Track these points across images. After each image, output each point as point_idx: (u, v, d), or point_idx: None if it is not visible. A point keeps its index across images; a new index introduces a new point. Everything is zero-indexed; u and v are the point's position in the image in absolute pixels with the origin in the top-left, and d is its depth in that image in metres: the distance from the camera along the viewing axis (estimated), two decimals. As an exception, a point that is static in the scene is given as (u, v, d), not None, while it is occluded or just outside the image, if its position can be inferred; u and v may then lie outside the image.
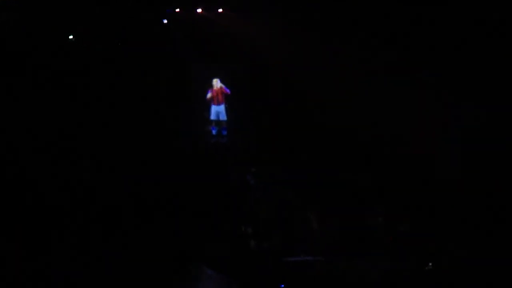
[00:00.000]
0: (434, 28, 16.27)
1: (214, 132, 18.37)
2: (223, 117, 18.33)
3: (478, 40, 15.78)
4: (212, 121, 18.37)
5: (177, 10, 18.58)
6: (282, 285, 12.96)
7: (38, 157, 15.20)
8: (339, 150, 16.56)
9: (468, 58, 15.82)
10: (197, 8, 18.60)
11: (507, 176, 14.60)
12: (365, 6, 16.90)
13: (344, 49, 17.08)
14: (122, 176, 15.23)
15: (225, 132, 18.36)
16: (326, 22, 17.33)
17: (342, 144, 16.64)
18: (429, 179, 15.44)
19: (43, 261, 12.39)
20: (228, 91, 18.15)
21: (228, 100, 18.30)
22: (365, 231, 14.65)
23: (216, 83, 18.17)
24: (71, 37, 17.31)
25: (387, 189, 15.41)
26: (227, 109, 18.32)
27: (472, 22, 15.78)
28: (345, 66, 17.00)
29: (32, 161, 15.09)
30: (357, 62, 16.91)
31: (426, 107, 16.24)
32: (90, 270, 12.36)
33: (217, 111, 18.29)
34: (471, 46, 15.87)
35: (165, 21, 18.67)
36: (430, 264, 13.30)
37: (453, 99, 16.05)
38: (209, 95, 18.10)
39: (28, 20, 16.41)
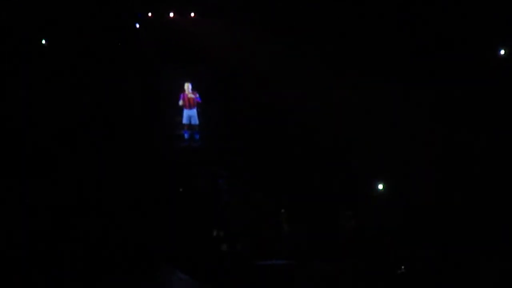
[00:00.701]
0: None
1: (186, 136, 18.33)
2: (195, 121, 18.29)
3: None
4: (184, 125, 18.32)
5: (149, 14, 18.58)
6: (254, 289, 13.05)
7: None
8: (311, 154, 16.61)
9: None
10: (169, 13, 18.61)
11: (474, 174, 14.79)
12: (329, 9, 17.09)
13: (314, 51, 17.23)
14: (93, 180, 15.14)
15: (197, 136, 18.33)
16: (294, 25, 17.47)
17: (314, 148, 16.69)
18: (399, 184, 15.57)
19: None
20: (199, 99, 18.10)
21: (200, 104, 18.28)
22: (337, 235, 14.75)
23: (188, 88, 18.12)
24: (43, 41, 17.19)
25: (359, 193, 15.50)
26: (199, 113, 18.29)
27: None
28: (316, 69, 17.12)
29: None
30: (329, 64, 17.05)
31: (395, 117, 16.40)
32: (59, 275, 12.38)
33: (189, 115, 18.23)
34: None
35: (137, 25, 18.67)
36: (403, 267, 13.41)
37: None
38: (181, 101, 18.04)
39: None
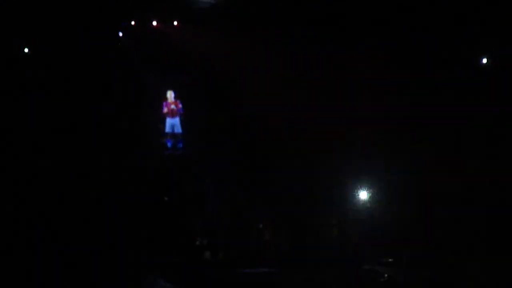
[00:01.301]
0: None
1: (169, 144, 18.27)
2: (178, 129, 18.20)
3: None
4: (167, 133, 18.26)
5: (132, 23, 18.57)
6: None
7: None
8: (295, 161, 16.64)
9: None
10: (152, 21, 18.62)
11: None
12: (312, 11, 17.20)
13: (299, 58, 17.31)
14: (76, 189, 15.08)
15: (180, 145, 18.26)
16: (279, 32, 17.55)
17: (298, 156, 16.72)
18: (382, 192, 15.63)
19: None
20: (181, 110, 18.05)
21: (182, 114, 18.24)
22: (320, 243, 14.77)
23: (171, 96, 18.05)
24: (26, 50, 17.12)
25: (342, 202, 15.54)
26: (182, 122, 18.24)
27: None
28: (302, 76, 17.19)
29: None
30: (312, 71, 17.12)
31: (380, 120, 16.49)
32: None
33: (172, 123, 18.14)
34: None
35: (120, 34, 18.67)
36: (386, 275, 13.43)
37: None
38: (165, 109, 17.99)
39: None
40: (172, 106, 17.98)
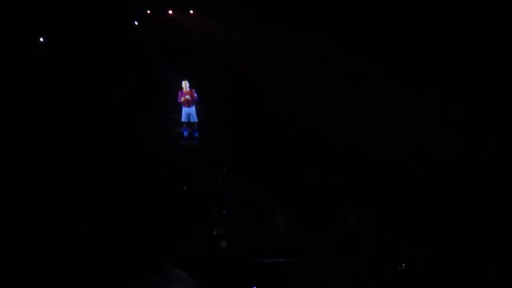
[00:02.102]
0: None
1: (185, 134, 18.28)
2: (194, 119, 18.24)
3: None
4: (183, 123, 18.27)
5: (148, 12, 18.54)
6: (255, 287, 12.98)
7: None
8: (311, 150, 16.59)
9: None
10: (168, 10, 18.58)
11: (479, 177, 14.75)
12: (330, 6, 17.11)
13: (314, 49, 17.22)
14: (94, 180, 15.09)
15: (196, 134, 18.29)
16: (294, 22, 17.47)
17: (314, 145, 16.68)
18: (400, 181, 15.53)
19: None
20: (196, 99, 18.03)
21: (198, 102, 18.23)
22: (337, 232, 14.71)
23: (186, 85, 18.04)
24: (41, 39, 17.12)
25: (359, 190, 15.46)
26: (198, 111, 18.24)
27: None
28: (316, 66, 17.11)
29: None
30: (327, 63, 17.03)
31: (397, 110, 16.36)
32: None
33: (188, 113, 18.18)
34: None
35: (136, 23, 18.65)
36: (403, 265, 13.37)
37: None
38: (181, 99, 17.97)
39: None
40: (187, 96, 17.98)
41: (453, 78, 15.97)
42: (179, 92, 18.02)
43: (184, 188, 15.76)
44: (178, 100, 18.02)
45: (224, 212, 15.42)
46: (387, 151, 15.78)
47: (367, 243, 14.24)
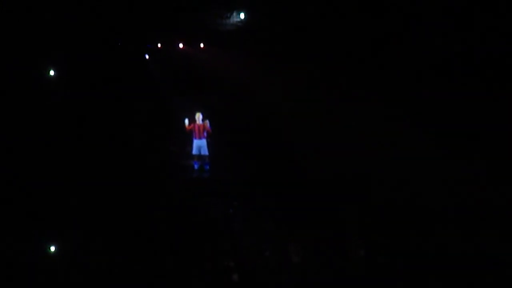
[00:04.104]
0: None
1: (196, 166, 18.27)
2: (205, 152, 18.20)
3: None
4: (194, 155, 18.26)
5: (159, 45, 18.68)
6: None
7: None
8: (321, 183, 16.54)
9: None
10: (179, 44, 18.70)
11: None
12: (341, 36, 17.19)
13: (324, 81, 17.28)
14: (103, 212, 15.10)
15: (207, 167, 18.26)
16: (304, 55, 17.54)
17: (324, 178, 16.63)
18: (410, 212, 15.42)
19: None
20: (210, 127, 18.06)
21: (210, 134, 18.25)
22: (347, 264, 14.59)
23: (199, 118, 18.06)
24: (51, 72, 17.26)
25: (368, 222, 15.37)
26: (209, 144, 18.24)
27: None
28: (327, 98, 17.14)
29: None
30: (339, 92, 17.07)
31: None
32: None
33: (199, 145, 18.15)
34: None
35: (147, 56, 18.79)
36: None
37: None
38: (190, 125, 17.97)
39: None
40: (201, 125, 18.00)
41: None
42: (192, 124, 18.04)
43: (193, 219, 15.73)
44: (187, 128, 17.98)
45: (234, 244, 15.36)
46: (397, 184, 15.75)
47: (378, 275, 14.13)
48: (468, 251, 13.75)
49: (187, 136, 18.13)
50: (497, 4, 15.61)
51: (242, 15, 17.84)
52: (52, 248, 13.97)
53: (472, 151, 15.61)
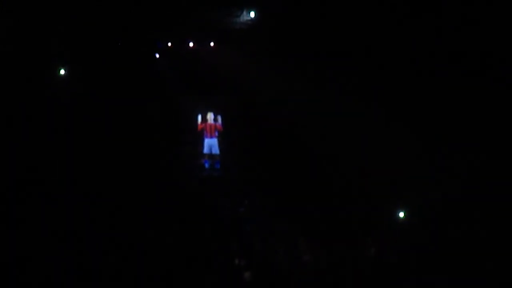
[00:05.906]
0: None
1: (207, 165, 18.28)
2: (216, 150, 18.25)
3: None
4: (205, 154, 18.28)
5: (169, 44, 18.66)
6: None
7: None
8: (332, 182, 16.51)
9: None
10: (189, 43, 18.69)
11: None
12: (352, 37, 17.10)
13: (335, 81, 17.21)
14: (115, 212, 15.11)
15: (218, 166, 18.27)
16: (315, 54, 17.48)
17: (335, 176, 16.60)
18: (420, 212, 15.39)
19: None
20: (221, 126, 18.09)
21: (221, 133, 18.27)
22: (358, 263, 14.58)
23: (210, 117, 18.12)
24: (62, 71, 17.28)
25: (379, 221, 15.34)
26: (220, 143, 18.26)
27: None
28: (336, 98, 17.07)
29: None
30: (348, 94, 17.01)
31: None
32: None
33: (210, 144, 18.22)
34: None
35: (157, 55, 18.79)
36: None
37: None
38: (202, 124, 18.01)
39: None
40: (212, 124, 18.04)
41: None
42: (204, 124, 18.07)
43: (203, 219, 15.74)
44: (199, 128, 18.04)
45: (246, 242, 15.36)
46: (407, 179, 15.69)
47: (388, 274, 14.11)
48: (468, 251, 13.79)
49: (199, 135, 18.15)
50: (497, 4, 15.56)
51: (252, 14, 17.78)
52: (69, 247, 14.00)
53: (473, 151, 15.59)
